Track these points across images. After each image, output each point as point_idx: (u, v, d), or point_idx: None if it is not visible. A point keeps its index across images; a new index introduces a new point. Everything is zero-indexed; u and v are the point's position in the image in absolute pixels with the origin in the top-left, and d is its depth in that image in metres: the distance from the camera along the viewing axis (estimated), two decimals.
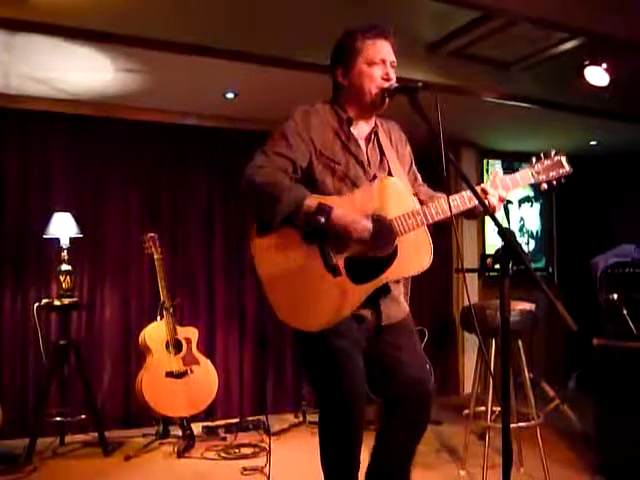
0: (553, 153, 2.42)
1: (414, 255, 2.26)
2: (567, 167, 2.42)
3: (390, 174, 2.34)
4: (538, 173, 2.39)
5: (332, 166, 2.26)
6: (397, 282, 2.38)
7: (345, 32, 2.34)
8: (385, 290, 2.28)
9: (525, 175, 2.39)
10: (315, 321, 2.20)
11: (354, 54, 2.28)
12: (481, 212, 2.37)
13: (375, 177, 2.31)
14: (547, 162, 2.40)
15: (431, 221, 2.25)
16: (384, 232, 2.21)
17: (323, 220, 2.11)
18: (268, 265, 2.20)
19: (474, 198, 2.20)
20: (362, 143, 2.35)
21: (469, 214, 2.37)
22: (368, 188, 2.26)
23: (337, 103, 2.36)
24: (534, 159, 2.41)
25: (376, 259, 2.21)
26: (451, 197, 2.26)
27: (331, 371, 2.25)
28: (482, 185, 2.32)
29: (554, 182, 2.41)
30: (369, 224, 2.17)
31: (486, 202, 2.24)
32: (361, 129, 2.36)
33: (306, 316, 2.21)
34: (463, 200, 2.29)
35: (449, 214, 2.24)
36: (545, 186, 2.42)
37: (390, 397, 2.38)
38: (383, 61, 2.27)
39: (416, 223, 2.23)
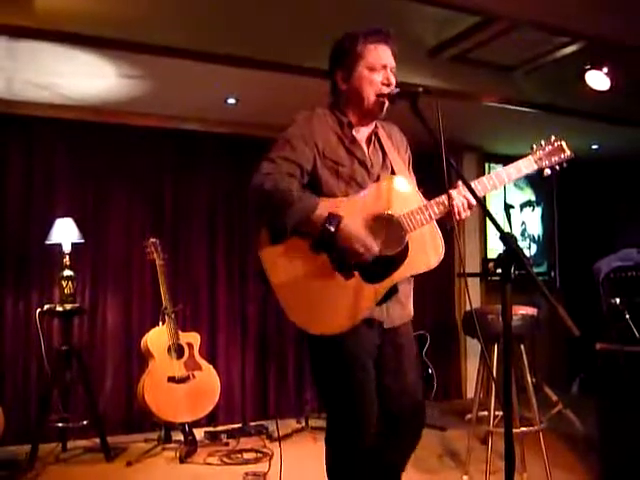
0: (553, 139, 2.44)
1: (426, 251, 2.26)
2: (568, 151, 2.43)
3: (394, 173, 2.35)
4: (540, 159, 2.41)
5: (336, 168, 2.27)
6: (407, 281, 2.37)
7: (346, 35, 2.33)
8: (394, 290, 2.27)
9: (528, 162, 2.41)
10: (332, 324, 2.19)
11: (355, 58, 2.28)
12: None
13: (379, 177, 2.32)
14: (548, 148, 2.42)
15: (439, 215, 2.25)
16: (394, 230, 2.22)
17: (333, 229, 2.11)
18: (281, 273, 2.20)
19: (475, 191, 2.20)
20: (364, 145, 2.36)
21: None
22: (374, 188, 2.27)
23: (337, 107, 2.36)
24: (534, 146, 2.43)
25: (388, 257, 2.21)
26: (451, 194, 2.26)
27: (345, 382, 2.25)
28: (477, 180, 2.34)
29: (557, 167, 2.43)
30: (375, 247, 2.16)
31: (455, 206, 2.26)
32: (361, 131, 2.37)
33: (323, 320, 2.20)
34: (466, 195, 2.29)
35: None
36: (548, 172, 2.43)
37: (384, 411, 2.35)
38: (384, 66, 2.27)
39: (425, 219, 2.24)
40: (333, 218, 2.12)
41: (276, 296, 2.20)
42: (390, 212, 2.23)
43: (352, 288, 2.19)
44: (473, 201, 2.28)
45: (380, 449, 2.38)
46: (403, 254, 2.22)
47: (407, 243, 2.22)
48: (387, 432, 2.36)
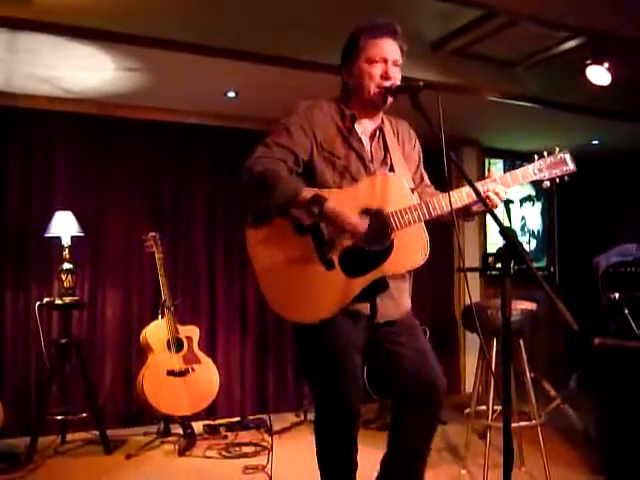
0: (557, 151, 2.37)
1: (410, 250, 2.25)
2: (571, 165, 2.36)
3: (392, 171, 2.34)
4: (540, 170, 2.34)
5: (332, 160, 2.28)
6: (401, 278, 2.36)
7: (353, 31, 2.34)
8: (382, 286, 2.27)
9: (526, 172, 2.34)
10: (308, 313, 2.21)
11: (356, 52, 2.29)
12: (477, 212, 2.33)
13: (375, 173, 2.31)
14: (550, 160, 2.35)
15: (428, 217, 2.23)
16: (380, 226, 2.22)
17: (317, 211, 2.12)
18: (262, 257, 2.23)
19: (473, 194, 2.19)
20: (365, 140, 2.35)
21: (465, 214, 2.34)
22: (367, 182, 2.27)
23: (342, 100, 2.37)
24: (537, 156, 2.36)
25: (372, 253, 2.21)
26: (450, 193, 2.24)
27: (326, 371, 2.27)
28: (483, 182, 2.31)
29: (557, 180, 2.37)
30: (363, 221, 2.17)
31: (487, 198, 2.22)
32: (365, 126, 2.37)
33: (299, 308, 2.22)
34: (461, 196, 2.26)
35: (446, 210, 2.22)
36: (547, 184, 2.37)
37: (396, 395, 2.37)
38: (385, 60, 2.27)
39: (413, 219, 2.22)
40: (317, 198, 2.13)
41: (257, 281, 2.23)
42: (379, 208, 2.23)
43: (332, 279, 2.19)
44: (499, 191, 2.26)
45: (399, 437, 2.36)
46: (387, 250, 2.22)
47: (392, 241, 2.22)
48: (404, 417, 2.34)
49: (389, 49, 2.28)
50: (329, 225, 2.15)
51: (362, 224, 2.17)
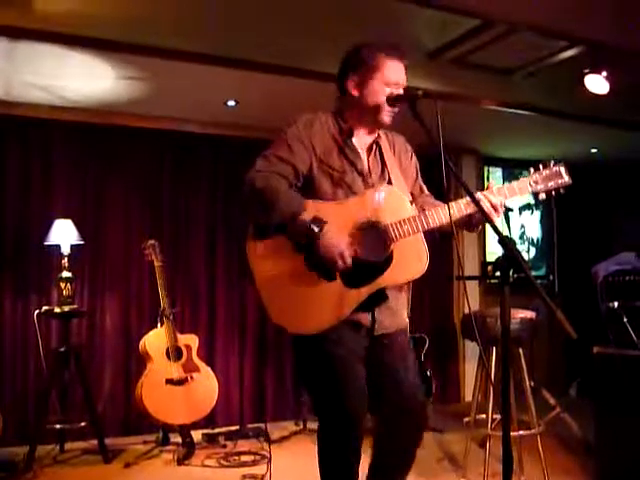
0: (552, 163, 2.38)
1: (409, 261, 2.26)
2: (566, 178, 2.37)
3: (390, 184, 2.35)
4: (536, 183, 2.35)
5: (331, 173, 2.29)
6: (399, 290, 2.38)
7: (364, 45, 2.34)
8: (382, 297, 2.28)
9: (523, 185, 2.36)
10: (310, 324, 2.22)
11: (374, 70, 2.29)
12: (479, 222, 2.35)
13: (374, 187, 2.32)
14: (546, 172, 2.36)
15: (427, 228, 2.24)
16: (379, 238, 2.22)
17: (316, 229, 2.13)
18: (263, 268, 2.24)
19: (471, 204, 2.20)
20: (363, 153, 2.37)
21: (468, 225, 2.35)
22: (365, 195, 2.28)
23: (339, 113, 2.37)
24: (532, 169, 2.38)
25: (371, 264, 2.22)
26: (449, 204, 2.25)
27: (330, 381, 2.25)
28: (480, 192, 2.32)
29: (552, 192, 2.38)
30: (349, 260, 2.16)
31: (484, 208, 2.23)
32: (362, 139, 2.38)
33: (301, 319, 2.23)
34: (460, 207, 2.27)
35: (444, 221, 2.24)
36: (543, 196, 2.38)
37: (382, 412, 2.37)
38: (397, 83, 2.30)
39: (412, 230, 2.23)
40: (316, 222, 2.14)
41: (258, 292, 2.24)
42: (377, 220, 2.24)
43: (333, 290, 2.20)
44: (495, 201, 2.27)
45: (380, 451, 2.37)
46: (387, 262, 2.23)
47: (391, 251, 2.23)
48: (385, 431, 2.35)
49: (402, 73, 2.32)
50: (321, 253, 2.15)
51: (348, 260, 2.16)
